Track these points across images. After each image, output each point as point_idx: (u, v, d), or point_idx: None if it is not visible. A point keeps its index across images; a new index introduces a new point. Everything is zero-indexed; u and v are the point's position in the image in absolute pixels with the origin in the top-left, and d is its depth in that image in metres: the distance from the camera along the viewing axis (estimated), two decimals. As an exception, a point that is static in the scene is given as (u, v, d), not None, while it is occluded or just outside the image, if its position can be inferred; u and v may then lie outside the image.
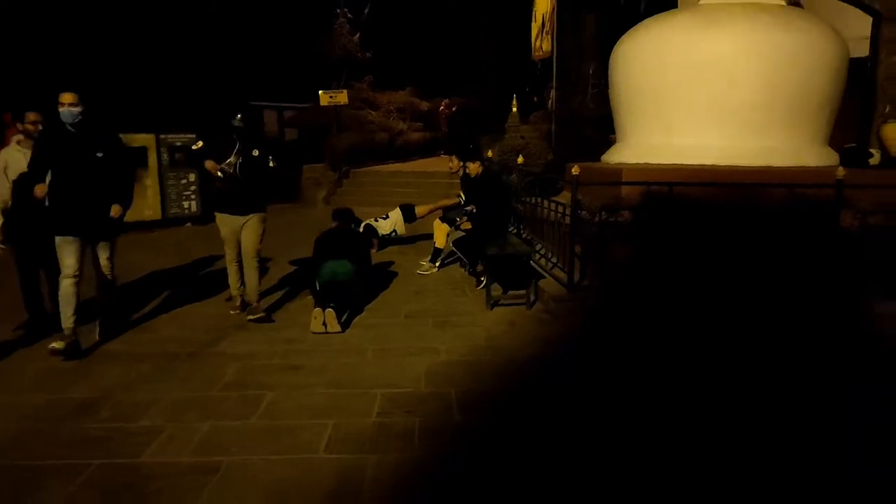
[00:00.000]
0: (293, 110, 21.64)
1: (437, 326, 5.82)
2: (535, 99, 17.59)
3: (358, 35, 19.11)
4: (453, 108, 22.42)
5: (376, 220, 9.38)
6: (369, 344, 5.32)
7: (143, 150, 11.49)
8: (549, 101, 15.19)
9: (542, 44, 15.12)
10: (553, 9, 14.14)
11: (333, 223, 6.91)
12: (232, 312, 6.14)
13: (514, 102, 13.53)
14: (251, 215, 5.80)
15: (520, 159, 8.39)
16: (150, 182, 11.71)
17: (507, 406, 4.08)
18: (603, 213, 6.09)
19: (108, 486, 3.06)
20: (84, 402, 4.04)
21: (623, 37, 8.77)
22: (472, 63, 21.82)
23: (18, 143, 5.55)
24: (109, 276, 5.28)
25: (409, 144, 19.98)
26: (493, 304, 6.43)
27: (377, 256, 8.96)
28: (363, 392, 4.26)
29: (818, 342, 4.92)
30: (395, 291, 7.16)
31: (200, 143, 5.54)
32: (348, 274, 6.16)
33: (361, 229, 9.22)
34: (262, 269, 6.55)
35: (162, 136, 11.90)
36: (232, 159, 5.57)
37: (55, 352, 4.73)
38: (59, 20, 13.99)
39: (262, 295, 6.36)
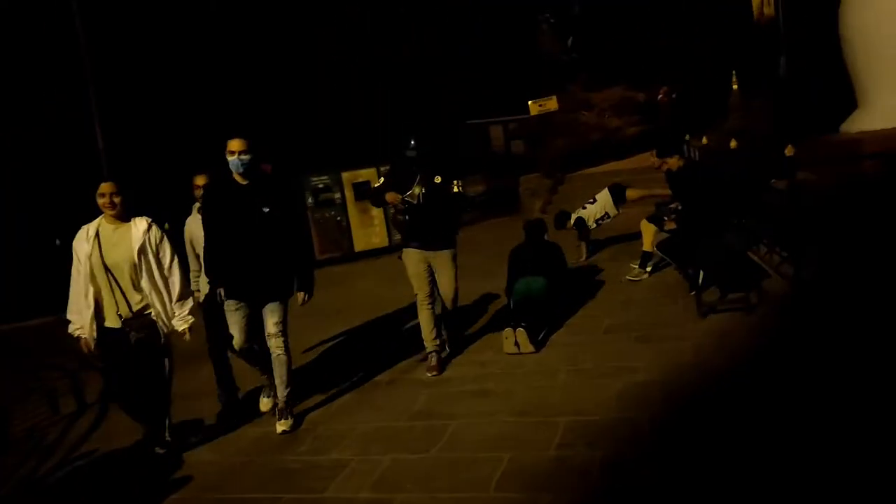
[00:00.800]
0: (517, 122, 21.97)
1: (639, 341, 5.40)
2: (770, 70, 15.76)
3: (570, 39, 18.85)
4: (673, 95, 21.01)
5: (584, 207, 9.00)
6: (563, 364, 5.11)
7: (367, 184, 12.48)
8: (781, 70, 13.50)
9: (764, 8, 13.53)
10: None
11: (527, 236, 6.82)
12: (430, 375, 5.26)
13: (734, 79, 12.25)
14: (442, 251, 5.35)
15: (732, 143, 7.50)
16: (376, 212, 12.63)
17: (705, 437, 3.61)
18: (835, 194, 5.20)
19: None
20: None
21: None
22: (686, 41, 20.27)
23: (199, 210, 4.99)
24: (279, 348, 4.49)
25: (626, 140, 19.13)
26: (706, 311, 5.80)
27: (586, 264, 8.68)
28: (546, 420, 4.08)
29: None
30: (600, 302, 6.82)
31: (382, 180, 5.69)
32: (542, 290, 6.01)
33: (573, 222, 8.94)
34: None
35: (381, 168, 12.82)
36: (415, 190, 5.25)
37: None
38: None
39: (460, 316, 6.03)
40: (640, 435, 3.74)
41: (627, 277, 7.48)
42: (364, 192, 11.69)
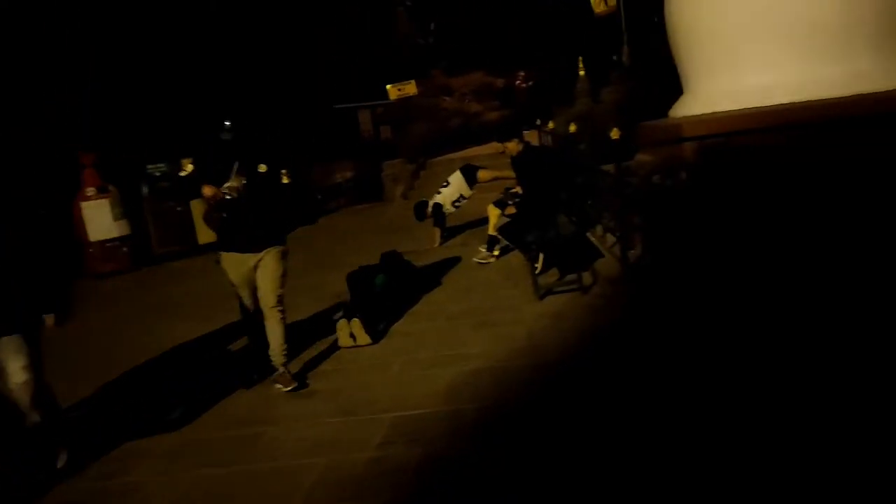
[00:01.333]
0: (384, 107, 21.57)
1: (476, 327, 5.34)
2: (615, 58, 16.45)
3: (433, 24, 18.68)
4: (530, 81, 21.55)
5: (439, 192, 8.93)
6: (398, 356, 4.95)
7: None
8: (623, 58, 14.11)
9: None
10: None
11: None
12: (285, 390, 4.49)
13: (581, 66, 12.61)
14: (266, 250, 4.50)
15: (571, 127, 7.64)
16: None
17: (531, 423, 3.56)
18: (656, 177, 5.36)
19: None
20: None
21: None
22: (540, 28, 20.83)
23: None
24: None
25: (487, 125, 19.36)
26: (543, 293, 5.87)
27: (438, 249, 8.60)
28: (371, 418, 3.89)
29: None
30: (446, 289, 6.74)
31: (190, 167, 5.06)
32: (382, 282, 5.83)
33: (430, 210, 8.84)
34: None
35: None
36: (233, 181, 4.39)
37: None
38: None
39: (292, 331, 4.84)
40: (464, 427, 3.63)
41: (475, 260, 7.48)
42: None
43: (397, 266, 6.41)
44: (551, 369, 4.28)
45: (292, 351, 4.74)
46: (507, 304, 5.86)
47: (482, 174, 8.77)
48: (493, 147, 8.02)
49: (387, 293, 5.85)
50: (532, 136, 10.88)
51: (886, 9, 6.21)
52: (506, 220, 7.06)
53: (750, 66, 6.84)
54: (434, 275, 7.17)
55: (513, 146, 6.75)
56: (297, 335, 5.63)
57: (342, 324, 5.25)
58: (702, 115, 7.02)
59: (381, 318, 5.67)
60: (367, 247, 8.59)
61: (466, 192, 8.79)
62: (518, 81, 21.89)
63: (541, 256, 6.51)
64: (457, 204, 8.80)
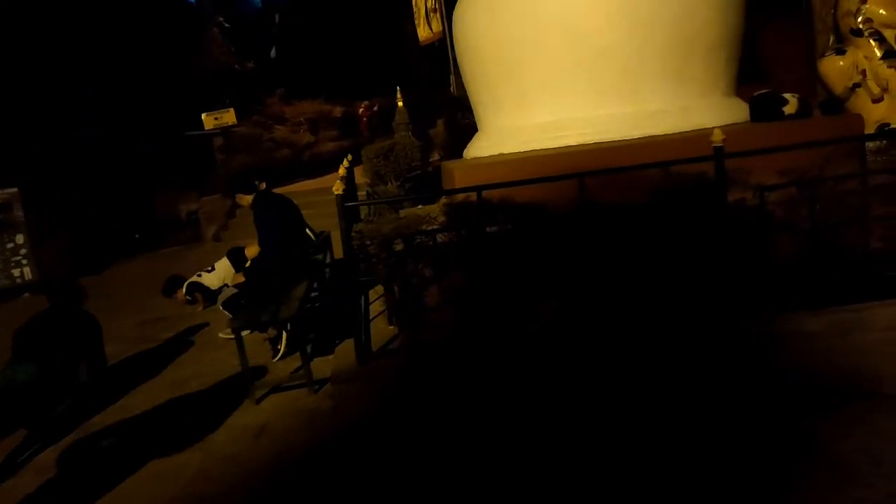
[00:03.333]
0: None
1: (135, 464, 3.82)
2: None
3: (273, 49, 16.88)
4: (374, 109, 20.43)
5: (199, 275, 7.39)
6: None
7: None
8: (452, 88, 13.21)
9: (431, 24, 13.14)
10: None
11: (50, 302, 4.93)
12: None
13: (399, 96, 11.51)
14: None
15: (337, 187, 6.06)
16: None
17: None
18: (399, 242, 4.13)
19: None
20: None
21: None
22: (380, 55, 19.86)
23: None
24: None
25: (322, 157, 17.97)
26: (266, 393, 4.48)
27: (203, 312, 7.05)
28: None
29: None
30: (156, 384, 5.13)
31: None
32: (31, 382, 4.18)
33: (185, 289, 7.30)
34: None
35: None
36: None
37: None
38: None
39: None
40: None
41: (220, 335, 6.01)
42: None
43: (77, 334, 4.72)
44: None
45: None
46: (206, 410, 4.39)
47: (249, 251, 7.20)
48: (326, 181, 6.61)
49: (38, 395, 4.20)
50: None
51: (677, 35, 5.43)
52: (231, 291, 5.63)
53: (538, 101, 5.89)
54: (157, 359, 5.63)
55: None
56: None
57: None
58: (490, 156, 6.00)
59: (32, 441, 4.06)
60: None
61: (232, 279, 7.09)
62: (361, 110, 20.64)
63: (284, 336, 5.17)
64: (218, 291, 7.12)
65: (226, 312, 5.41)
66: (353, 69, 21.49)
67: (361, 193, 10.85)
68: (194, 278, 7.37)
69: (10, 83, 11.37)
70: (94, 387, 4.73)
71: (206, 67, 14.81)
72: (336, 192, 4.05)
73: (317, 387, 4.37)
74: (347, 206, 4.23)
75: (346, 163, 9.29)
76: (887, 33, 5.70)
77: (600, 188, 4.13)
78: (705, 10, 5.51)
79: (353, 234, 4.16)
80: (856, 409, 3.11)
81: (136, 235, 13.77)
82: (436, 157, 10.16)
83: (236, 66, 15.64)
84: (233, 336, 5.83)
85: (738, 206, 4.00)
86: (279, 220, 5.22)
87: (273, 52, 21.70)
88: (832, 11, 6.53)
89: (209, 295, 7.25)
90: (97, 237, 12.36)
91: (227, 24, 15.89)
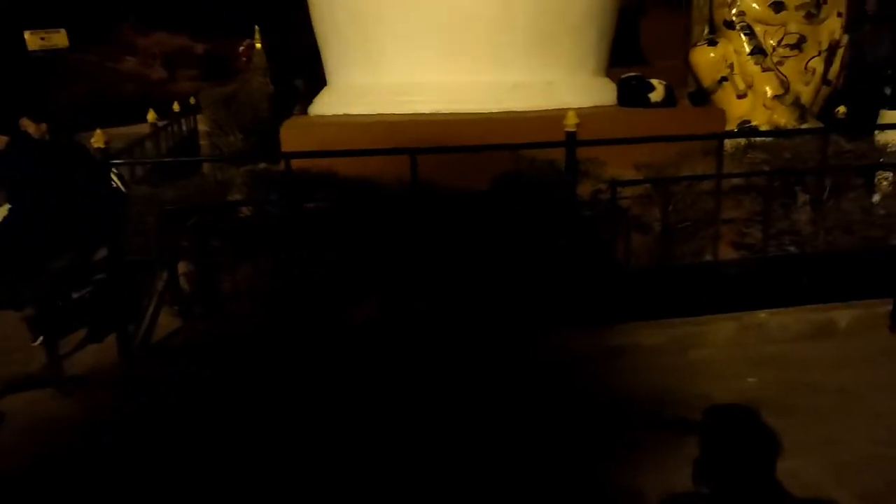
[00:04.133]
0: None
1: None
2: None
3: None
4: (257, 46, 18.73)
5: None
6: None
7: None
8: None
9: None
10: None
11: None
12: None
13: (258, 37, 10.39)
14: None
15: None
16: None
17: None
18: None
19: None
20: None
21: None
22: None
23: None
24: None
25: (177, 97, 16.24)
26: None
27: None
28: None
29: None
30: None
31: None
32: None
33: None
34: None
35: None
36: None
37: None
38: None
39: None
40: None
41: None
42: None
43: None
44: None
45: None
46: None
47: None
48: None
49: None
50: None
51: (545, 4, 4.89)
52: None
53: (391, 59, 5.18)
54: None
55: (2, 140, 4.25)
56: None
57: None
58: (334, 116, 5.24)
59: None
60: None
61: None
62: (242, 49, 18.85)
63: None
64: None
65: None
66: (223, 2, 19.62)
67: (205, 143, 9.72)
68: None
69: None
70: None
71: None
72: (96, 145, 3.13)
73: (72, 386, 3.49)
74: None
75: (176, 106, 8.23)
76: (758, 29, 5.50)
77: (442, 167, 3.53)
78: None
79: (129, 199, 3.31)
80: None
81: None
82: (298, 109, 9.22)
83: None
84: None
85: (590, 201, 3.55)
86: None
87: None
88: (709, 1, 6.29)
89: None
90: None
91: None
